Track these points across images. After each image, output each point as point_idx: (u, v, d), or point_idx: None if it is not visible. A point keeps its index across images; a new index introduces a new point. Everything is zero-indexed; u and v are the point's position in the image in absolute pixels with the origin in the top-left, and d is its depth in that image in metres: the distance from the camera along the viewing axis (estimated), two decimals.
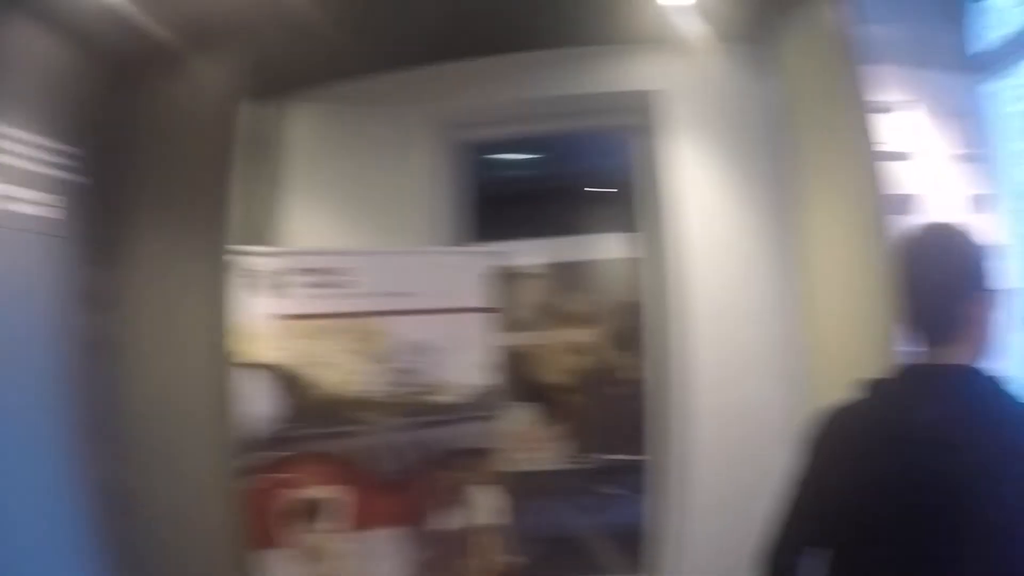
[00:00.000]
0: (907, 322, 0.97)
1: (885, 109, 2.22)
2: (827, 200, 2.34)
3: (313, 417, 2.10)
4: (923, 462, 0.87)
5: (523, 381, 3.95)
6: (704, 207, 2.53)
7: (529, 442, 3.79)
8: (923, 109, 2.35)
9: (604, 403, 4.02)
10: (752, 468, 2.34)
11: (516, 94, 2.66)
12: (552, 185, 4.28)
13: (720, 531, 2.31)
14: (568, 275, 4.49)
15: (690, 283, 2.50)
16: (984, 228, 2.27)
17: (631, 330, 3.53)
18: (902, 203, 2.17)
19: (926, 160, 2.34)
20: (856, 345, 2.12)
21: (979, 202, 2.38)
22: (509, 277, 4.08)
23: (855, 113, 2.14)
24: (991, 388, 0.89)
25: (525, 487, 3.25)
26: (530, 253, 4.34)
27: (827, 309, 2.34)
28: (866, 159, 2.11)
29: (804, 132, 2.45)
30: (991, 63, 2.52)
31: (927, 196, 2.28)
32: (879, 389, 0.99)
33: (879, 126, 2.15)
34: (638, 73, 2.59)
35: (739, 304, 2.49)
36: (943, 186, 2.34)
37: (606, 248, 4.28)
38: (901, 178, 2.21)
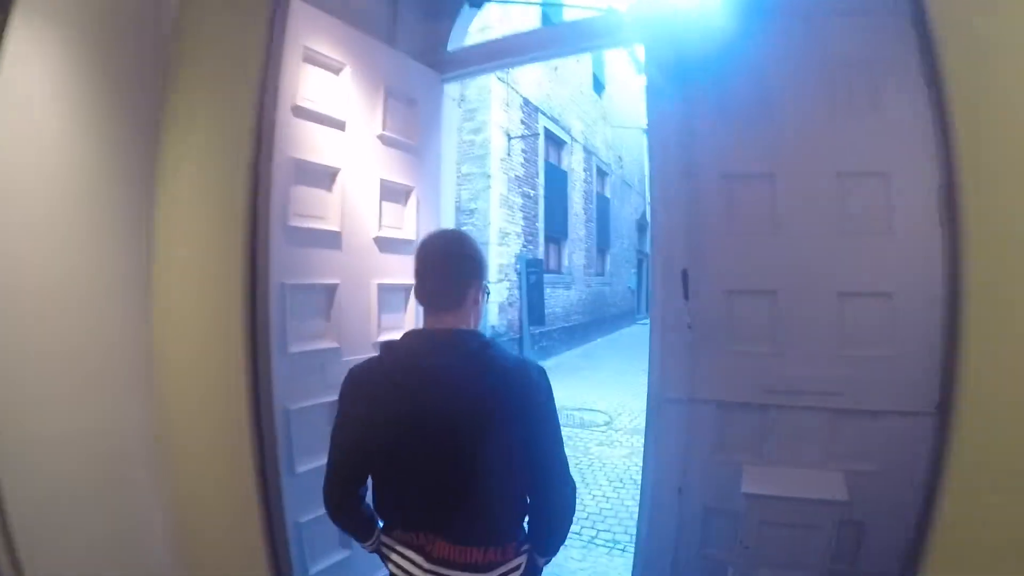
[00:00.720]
0: (420, 298, 1.26)
1: (311, 62, 1.97)
2: (199, 154, 1.94)
3: None
4: (427, 402, 1.14)
5: None
6: (33, 132, 1.66)
7: None
8: (360, 78, 2.16)
9: None
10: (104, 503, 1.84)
11: None
12: None
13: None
14: None
15: None
16: (397, 216, 2.36)
17: None
18: (293, 167, 1.92)
19: (348, 130, 2.14)
20: (206, 328, 1.90)
21: (394, 190, 2.32)
22: None
23: (264, 54, 1.83)
24: (481, 345, 1.20)
25: None
26: None
27: (180, 287, 1.96)
28: (259, 110, 1.84)
29: (198, 64, 1.96)
30: (456, 64, 2.65)
31: (341, 166, 2.10)
32: (392, 348, 1.24)
33: (294, 78, 1.88)
34: None
35: (64, 277, 1.75)
36: (359, 159, 2.18)
37: None
38: (308, 139, 1.97)
